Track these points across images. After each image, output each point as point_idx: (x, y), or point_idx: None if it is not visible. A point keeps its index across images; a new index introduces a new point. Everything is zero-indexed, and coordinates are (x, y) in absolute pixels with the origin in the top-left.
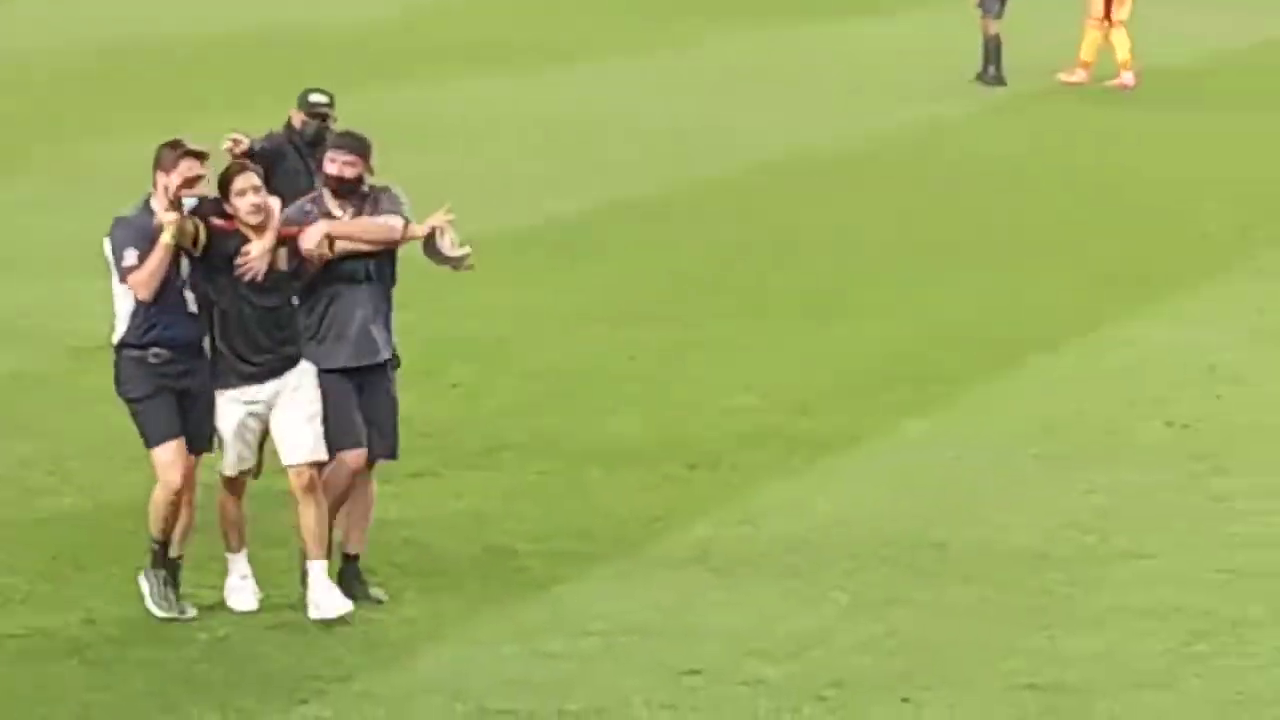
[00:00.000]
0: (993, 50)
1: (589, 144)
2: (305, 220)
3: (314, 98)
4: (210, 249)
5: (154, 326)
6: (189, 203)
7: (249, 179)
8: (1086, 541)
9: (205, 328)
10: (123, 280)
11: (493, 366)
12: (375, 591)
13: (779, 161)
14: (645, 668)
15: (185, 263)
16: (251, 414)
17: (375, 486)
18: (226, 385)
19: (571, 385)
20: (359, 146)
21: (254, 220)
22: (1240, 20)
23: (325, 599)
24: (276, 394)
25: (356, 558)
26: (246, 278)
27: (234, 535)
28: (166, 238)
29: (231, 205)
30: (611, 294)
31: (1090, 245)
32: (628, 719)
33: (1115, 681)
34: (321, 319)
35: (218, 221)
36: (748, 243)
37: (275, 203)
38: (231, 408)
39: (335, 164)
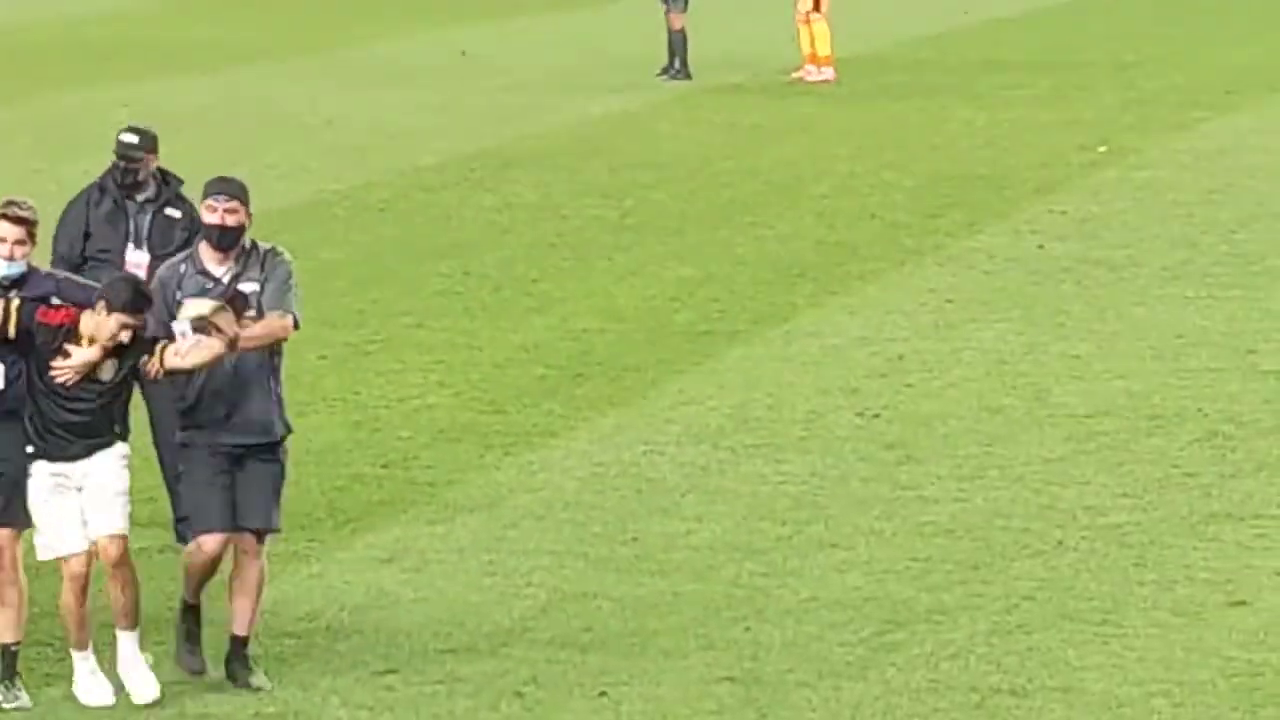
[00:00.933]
0: (678, 44)
1: (273, 142)
2: (178, 278)
3: (123, 138)
4: (25, 335)
5: None
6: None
7: (134, 320)
8: (781, 532)
9: (10, 401)
10: None
11: None
12: (256, 679)
13: (465, 157)
14: (342, 669)
15: None
16: (62, 486)
17: (263, 564)
18: (36, 458)
19: None
20: (239, 191)
21: (106, 341)
22: (920, 11)
23: (136, 679)
24: (86, 475)
25: (243, 640)
26: (58, 380)
27: (77, 632)
28: None
29: (104, 306)
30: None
31: (779, 237)
32: None
33: (812, 672)
34: (200, 394)
35: (46, 312)
36: (435, 239)
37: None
38: (40, 478)
39: (216, 212)
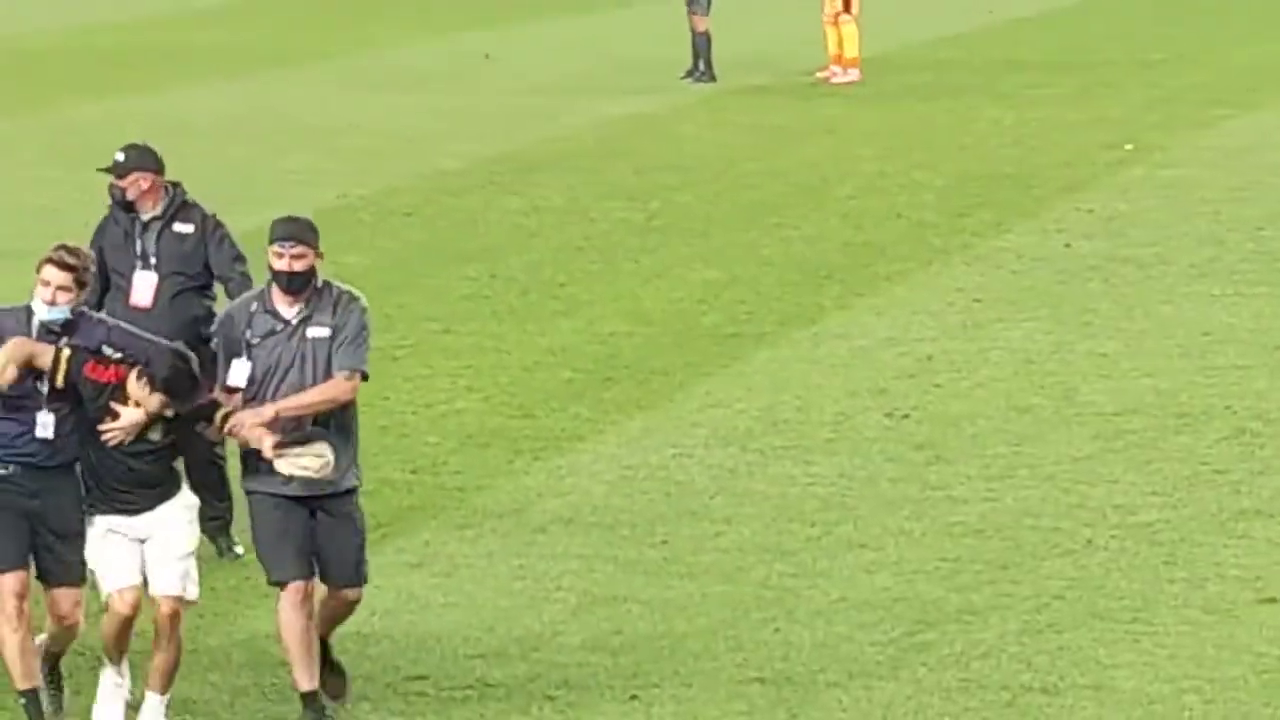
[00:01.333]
0: (702, 46)
1: (295, 148)
2: (248, 316)
3: (116, 156)
4: (74, 390)
5: (2, 436)
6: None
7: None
8: (811, 534)
9: (63, 452)
10: None
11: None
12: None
13: (488, 161)
14: (372, 675)
15: (47, 386)
16: (120, 532)
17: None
18: (94, 511)
19: None
20: (306, 234)
21: (151, 413)
22: (943, 11)
23: None
24: (150, 528)
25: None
26: (110, 443)
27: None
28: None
29: (148, 382)
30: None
31: (806, 238)
32: None
33: (843, 672)
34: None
35: (95, 367)
36: (462, 243)
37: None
38: (97, 527)
39: (283, 258)
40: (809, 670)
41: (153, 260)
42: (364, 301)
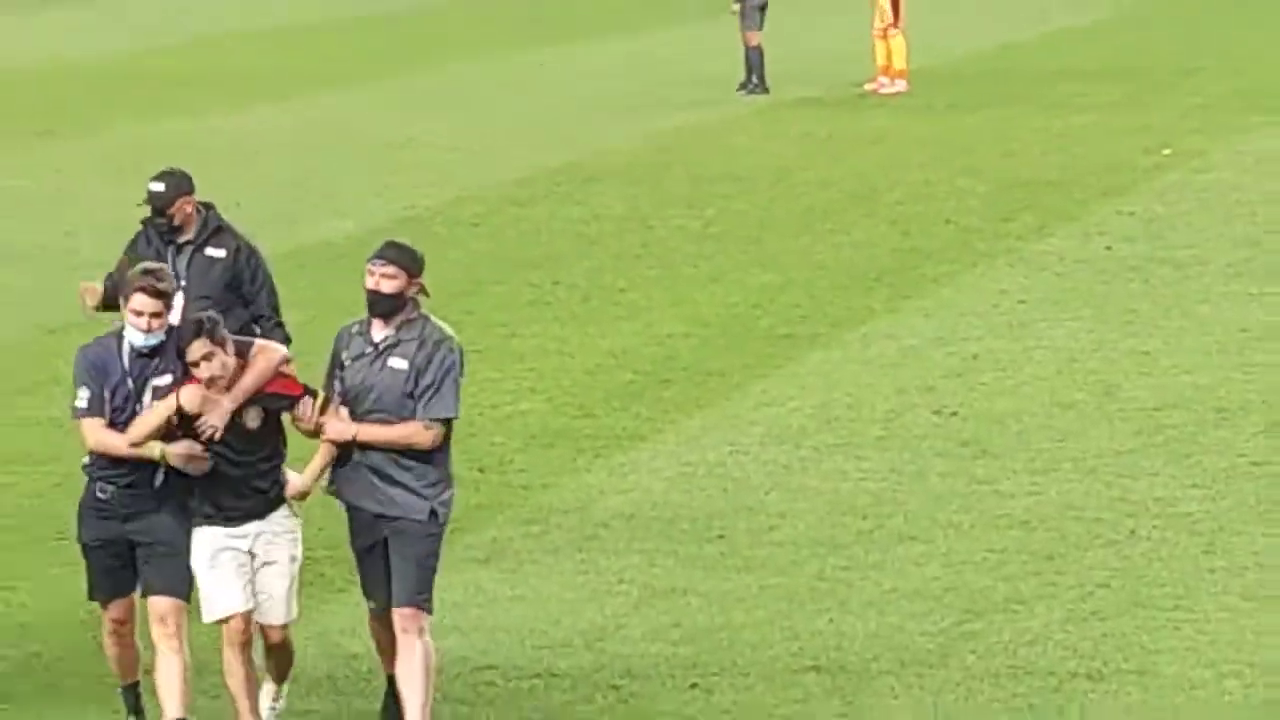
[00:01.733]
0: (755, 60)
1: (363, 163)
2: (347, 337)
3: (151, 187)
4: (183, 420)
5: (103, 458)
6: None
7: (198, 349)
8: (862, 527)
9: (159, 472)
10: (75, 417)
11: None
12: None
13: (550, 171)
14: (442, 665)
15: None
16: (231, 548)
17: (423, 643)
18: (202, 522)
19: None
20: (403, 258)
21: (213, 386)
22: (987, 24)
23: None
24: (259, 537)
25: None
26: (204, 436)
27: (243, 698)
28: (154, 454)
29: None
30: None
31: (856, 243)
32: None
33: (895, 660)
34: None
35: (175, 390)
36: (525, 249)
37: (230, 361)
38: (206, 542)
39: (373, 276)
40: (862, 659)
41: (182, 283)
42: (454, 342)
